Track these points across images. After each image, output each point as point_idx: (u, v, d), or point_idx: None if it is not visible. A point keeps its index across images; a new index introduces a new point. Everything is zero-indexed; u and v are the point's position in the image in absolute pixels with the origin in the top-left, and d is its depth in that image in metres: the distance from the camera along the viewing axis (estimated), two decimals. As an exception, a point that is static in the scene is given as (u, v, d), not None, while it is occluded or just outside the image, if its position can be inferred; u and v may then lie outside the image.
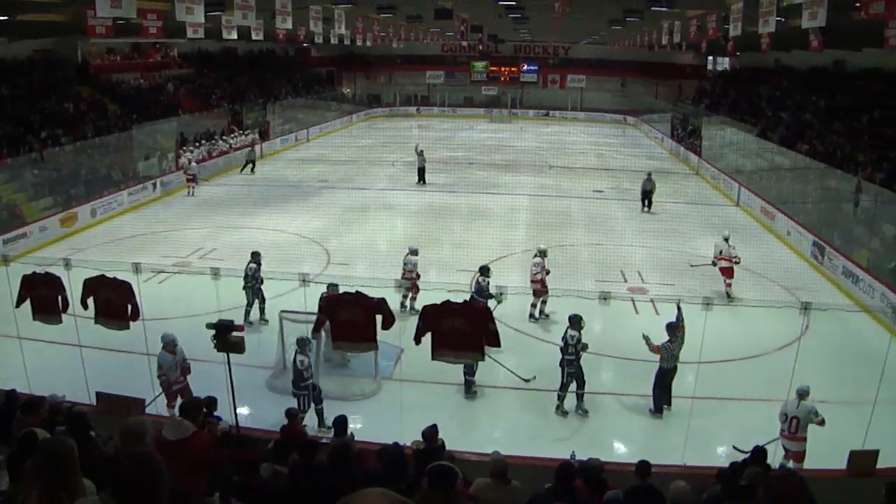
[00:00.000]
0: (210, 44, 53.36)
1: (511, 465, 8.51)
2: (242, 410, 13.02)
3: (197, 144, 40.39)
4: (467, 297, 15.90)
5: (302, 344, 13.34)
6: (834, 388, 15.11)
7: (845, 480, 10.90)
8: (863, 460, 11.09)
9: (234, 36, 27.52)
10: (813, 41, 24.14)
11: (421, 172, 37.27)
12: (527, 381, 15.74)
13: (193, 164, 36.61)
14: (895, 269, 21.89)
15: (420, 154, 37.25)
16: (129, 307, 12.16)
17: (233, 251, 23.51)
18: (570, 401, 14.72)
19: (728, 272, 21.19)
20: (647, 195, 32.64)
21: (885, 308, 19.09)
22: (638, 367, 15.34)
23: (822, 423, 12.02)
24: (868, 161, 30.25)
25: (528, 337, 17.99)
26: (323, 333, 13.56)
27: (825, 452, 11.78)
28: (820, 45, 24.35)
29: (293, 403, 12.50)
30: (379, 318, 11.46)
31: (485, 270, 18.19)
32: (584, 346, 14.34)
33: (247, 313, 17.96)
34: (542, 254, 19.32)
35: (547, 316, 19.16)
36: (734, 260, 21.06)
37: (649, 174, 32.92)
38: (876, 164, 29.58)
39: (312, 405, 13.69)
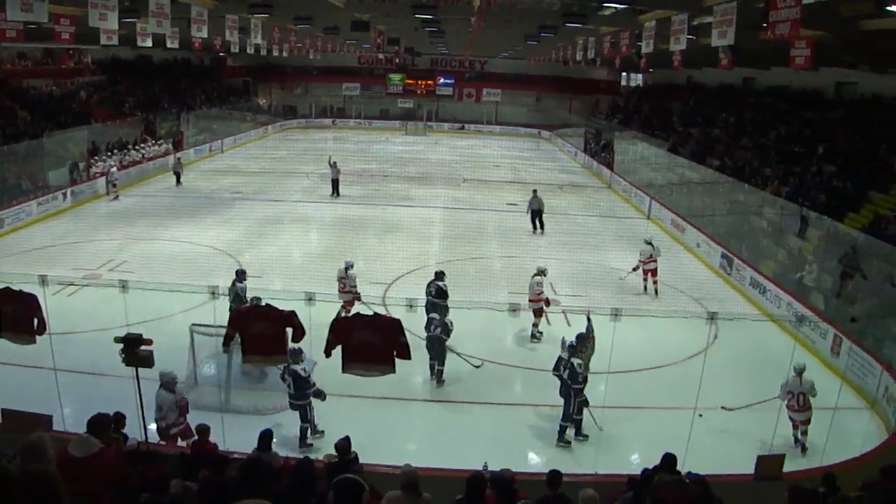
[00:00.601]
0: (125, 51, 52.58)
1: (423, 477, 8.55)
2: (153, 426, 12.90)
3: (109, 154, 39.58)
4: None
5: (295, 354, 13.12)
6: (741, 395, 15.60)
7: (753, 485, 11.17)
8: (770, 465, 11.36)
9: (149, 43, 27.18)
10: (723, 59, 24.64)
11: (335, 184, 37.25)
12: (477, 366, 16.66)
13: (115, 170, 36.74)
14: (800, 280, 22.53)
15: (333, 166, 37.22)
16: (35, 321, 11.87)
17: (144, 263, 23.30)
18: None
19: (654, 272, 23.44)
20: (536, 215, 31.19)
21: (790, 317, 19.65)
22: (549, 377, 15.52)
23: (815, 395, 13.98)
24: (774, 175, 31.03)
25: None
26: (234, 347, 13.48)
27: (734, 457, 12.09)
28: (730, 63, 24.86)
29: (205, 419, 12.34)
30: (290, 330, 11.46)
31: (440, 275, 18.76)
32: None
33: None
34: (542, 272, 19.67)
35: (541, 334, 19.28)
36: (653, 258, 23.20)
37: (535, 192, 31.76)
38: (782, 179, 30.36)
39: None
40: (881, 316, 18.89)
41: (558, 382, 14.61)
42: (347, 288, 19.30)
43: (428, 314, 17.06)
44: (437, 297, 18.05)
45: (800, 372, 14.08)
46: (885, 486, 8.10)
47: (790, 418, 14.09)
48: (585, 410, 14.20)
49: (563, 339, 14.58)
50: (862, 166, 27.76)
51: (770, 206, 27.21)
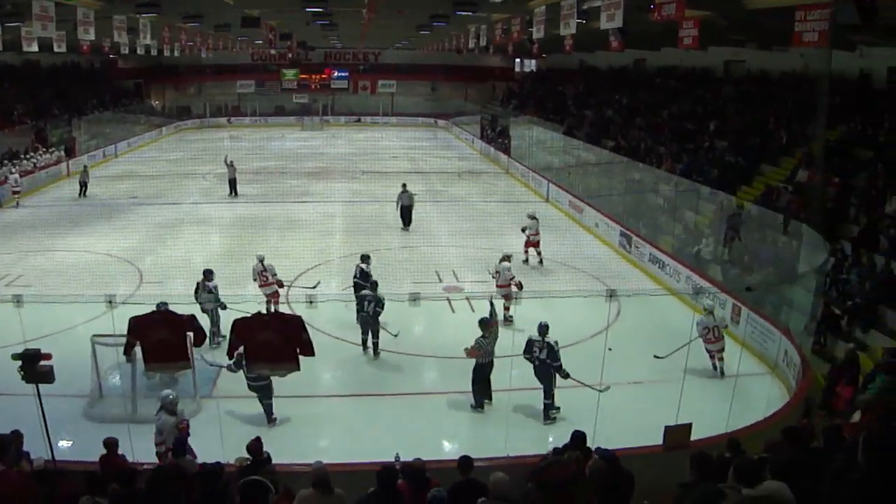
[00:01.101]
0: (10, 56, 51.19)
1: (334, 473, 8.57)
2: (63, 443, 12.68)
3: (-1, 164, 38.50)
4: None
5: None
6: (645, 368, 15.99)
7: (662, 455, 11.42)
8: (677, 434, 11.60)
9: (35, 48, 26.59)
10: (613, 42, 25.01)
11: (232, 184, 36.89)
12: (395, 335, 17.43)
13: (17, 177, 36.36)
14: (697, 253, 23.08)
15: (230, 165, 36.81)
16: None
17: (41, 275, 22.75)
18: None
19: (537, 243, 24.93)
20: (406, 211, 30.01)
21: (689, 290, 20.10)
22: (457, 364, 15.63)
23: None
24: (668, 153, 31.69)
25: (345, 343, 18.04)
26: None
27: (641, 430, 12.30)
28: (620, 46, 25.26)
29: (112, 432, 12.11)
30: (191, 335, 11.37)
31: (365, 258, 19.56)
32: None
33: (214, 334, 17.42)
34: (508, 258, 20.27)
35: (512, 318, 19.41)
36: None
37: (404, 185, 30.63)
38: (676, 156, 31.02)
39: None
40: (777, 283, 19.42)
41: (464, 369, 14.90)
42: (270, 280, 19.48)
43: (356, 294, 18.15)
44: (363, 281, 18.69)
45: (710, 311, 16.80)
46: (786, 447, 8.37)
47: (707, 350, 16.52)
48: (570, 380, 14.44)
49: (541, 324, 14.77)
50: (752, 141, 28.55)
51: (665, 184, 27.78)
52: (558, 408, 14.71)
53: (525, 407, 14.55)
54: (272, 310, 18.12)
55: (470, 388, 14.94)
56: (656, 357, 16.08)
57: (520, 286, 19.40)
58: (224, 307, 17.23)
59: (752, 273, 21.45)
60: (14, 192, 35.64)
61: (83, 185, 38.21)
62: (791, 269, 19.34)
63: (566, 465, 6.41)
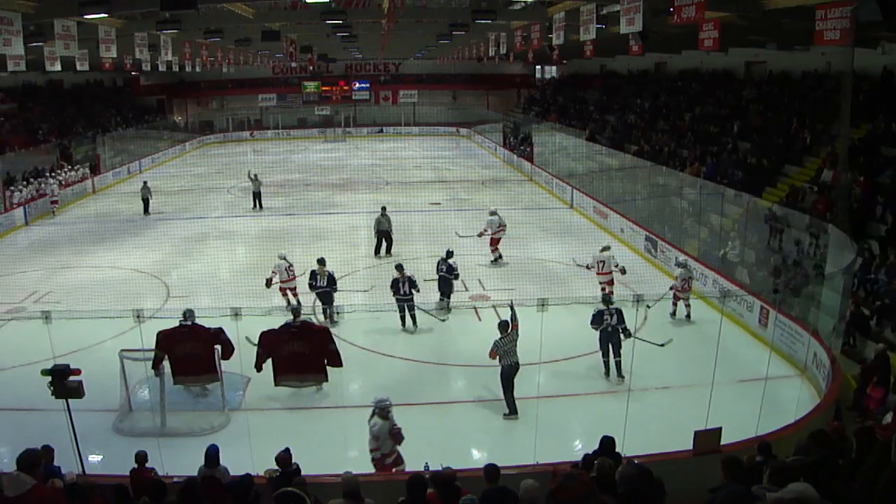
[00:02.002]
0: (35, 76, 51.75)
1: (365, 483, 8.57)
2: (93, 457, 12.74)
3: (25, 183, 38.70)
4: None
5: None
6: (674, 373, 15.91)
7: (693, 460, 11.34)
8: (707, 439, 11.52)
9: (58, 67, 26.73)
10: (633, 46, 24.96)
11: (257, 197, 36.97)
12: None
13: (56, 188, 38.26)
14: (724, 256, 22.93)
15: (254, 179, 36.91)
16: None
17: (69, 292, 22.90)
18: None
19: (498, 241, 25.95)
20: (383, 237, 27.74)
21: (716, 293, 19.97)
22: (484, 372, 15.61)
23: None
24: (692, 156, 31.55)
25: (373, 353, 18.06)
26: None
27: (671, 435, 12.26)
28: (640, 50, 25.20)
29: (142, 446, 12.13)
30: (219, 348, 11.40)
31: (450, 253, 21.08)
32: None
33: (331, 314, 19.58)
34: (608, 248, 22.18)
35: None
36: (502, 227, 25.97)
37: (383, 209, 28.04)
38: (700, 159, 30.89)
39: None
40: (805, 284, 19.27)
41: (493, 376, 14.99)
42: (290, 277, 21.16)
43: (440, 288, 20.90)
44: (449, 274, 20.74)
45: (682, 264, 20.24)
46: (817, 450, 8.30)
47: (679, 298, 19.94)
48: (637, 341, 15.47)
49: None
50: (775, 142, 28.37)
51: (690, 187, 27.62)
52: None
53: (553, 414, 14.47)
54: (294, 302, 19.80)
55: (502, 397, 14.93)
56: (657, 345, 16.09)
57: (623, 271, 21.00)
58: (335, 290, 19.72)
59: (779, 275, 21.31)
60: (52, 203, 37.36)
61: (146, 202, 37.68)
62: (818, 270, 19.21)
63: (577, 483, 6.35)
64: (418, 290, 19.51)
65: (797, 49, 29.15)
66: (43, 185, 38.38)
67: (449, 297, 20.85)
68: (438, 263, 21.01)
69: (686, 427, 11.93)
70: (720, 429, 11.70)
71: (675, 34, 25.61)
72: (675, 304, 20.11)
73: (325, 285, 19.62)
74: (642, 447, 10.80)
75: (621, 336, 16.12)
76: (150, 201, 37.74)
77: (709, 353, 14.51)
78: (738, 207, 24.79)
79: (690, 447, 11.57)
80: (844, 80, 20.23)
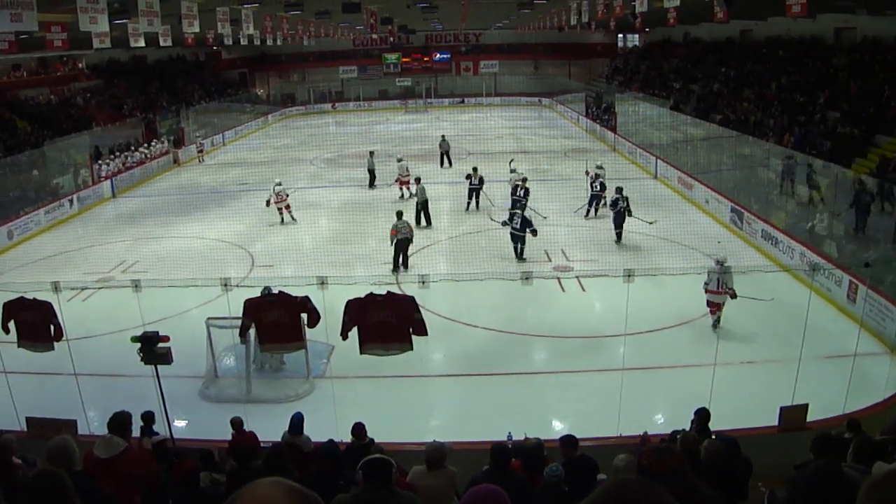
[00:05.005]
0: (119, 53, 52.66)
1: (448, 452, 8.56)
2: (180, 422, 12.96)
3: (112, 157, 39.49)
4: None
5: None
6: (760, 347, 15.66)
7: (778, 436, 11.18)
8: (794, 415, 11.37)
9: (142, 43, 27.02)
10: (718, 13, 24.51)
11: (372, 174, 36.09)
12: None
13: (201, 140, 46.68)
14: (812, 229, 22.42)
15: (371, 155, 36.36)
16: (52, 327, 11.88)
17: (156, 262, 23.30)
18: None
19: (407, 182, 31.20)
20: (422, 207, 27.61)
21: (803, 266, 19.51)
22: (567, 344, 15.53)
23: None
24: (778, 126, 30.91)
25: (456, 323, 18.10)
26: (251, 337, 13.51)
27: (757, 410, 12.08)
28: (725, 17, 24.74)
29: (228, 412, 12.28)
30: (304, 316, 11.46)
31: (525, 179, 26.50)
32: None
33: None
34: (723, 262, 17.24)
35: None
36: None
37: (417, 180, 28.61)
38: (787, 128, 30.26)
39: None
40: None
41: (576, 348, 14.77)
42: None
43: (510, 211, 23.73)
44: (523, 196, 25.58)
45: (721, 262, 16.78)
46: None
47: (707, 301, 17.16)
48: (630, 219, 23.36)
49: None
50: (866, 111, 27.60)
51: (777, 158, 27.04)
52: None
53: (637, 386, 14.25)
54: (289, 217, 23.84)
55: (582, 369, 14.86)
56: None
57: (733, 295, 16.79)
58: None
59: (870, 248, 20.77)
60: (199, 151, 47.24)
61: (371, 174, 36.40)
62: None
63: (671, 454, 6.22)
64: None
65: (889, 14, 28.31)
66: (105, 168, 38.15)
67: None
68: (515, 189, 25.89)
69: (771, 402, 11.75)
70: (807, 405, 11.52)
71: (761, 0, 25.06)
72: (713, 314, 17.14)
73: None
74: (726, 422, 10.63)
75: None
76: (375, 172, 36.28)
77: (794, 327, 14.21)
78: (826, 178, 24.20)
79: (775, 423, 11.40)
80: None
